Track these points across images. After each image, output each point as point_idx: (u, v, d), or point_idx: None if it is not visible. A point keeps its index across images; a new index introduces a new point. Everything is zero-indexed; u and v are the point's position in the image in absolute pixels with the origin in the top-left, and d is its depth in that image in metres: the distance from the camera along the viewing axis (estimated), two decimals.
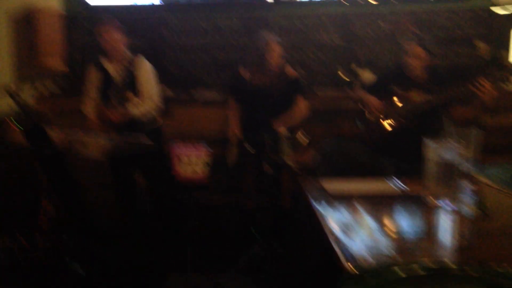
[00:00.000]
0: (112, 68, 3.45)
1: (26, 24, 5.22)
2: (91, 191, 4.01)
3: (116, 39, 3.38)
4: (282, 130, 3.17)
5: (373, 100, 3.31)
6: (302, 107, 3.55)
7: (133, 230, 3.61)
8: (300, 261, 2.19)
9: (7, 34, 5.09)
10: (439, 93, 3.13)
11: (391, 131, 3.29)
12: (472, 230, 1.56)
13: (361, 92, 3.42)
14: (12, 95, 2.88)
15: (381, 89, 3.36)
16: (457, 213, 1.64)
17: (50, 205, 3.36)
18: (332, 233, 1.43)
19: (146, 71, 3.43)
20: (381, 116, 3.29)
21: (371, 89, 3.44)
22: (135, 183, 3.60)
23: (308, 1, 4.27)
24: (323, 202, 1.74)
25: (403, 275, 1.20)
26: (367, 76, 4.07)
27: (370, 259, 1.25)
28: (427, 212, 1.66)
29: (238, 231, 3.82)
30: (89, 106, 3.54)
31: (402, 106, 3.25)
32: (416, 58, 3.17)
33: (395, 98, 3.27)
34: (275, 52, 3.37)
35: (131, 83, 3.39)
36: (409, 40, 3.20)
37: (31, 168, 4.16)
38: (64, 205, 3.09)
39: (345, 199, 1.81)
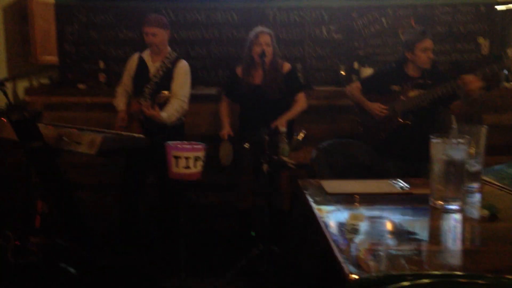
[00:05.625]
0: (151, 63, 3.46)
1: (18, 16, 5.15)
2: (83, 190, 3.96)
3: (161, 37, 3.38)
4: (281, 128, 3.11)
5: (371, 105, 3.24)
6: (300, 102, 3.49)
7: (128, 231, 3.55)
8: (299, 263, 2.12)
9: (0, 27, 5.02)
10: (436, 89, 3.07)
11: (392, 131, 3.22)
12: (481, 233, 1.49)
13: (360, 97, 3.35)
14: (2, 88, 2.81)
15: (380, 88, 3.29)
16: (464, 214, 1.56)
17: (45, 205, 3.30)
18: (332, 236, 1.35)
19: (183, 72, 3.43)
20: (382, 117, 3.22)
21: (370, 88, 3.37)
22: (140, 182, 3.54)
23: None
24: (322, 202, 1.66)
25: (407, 283, 1.12)
26: (368, 73, 4.01)
27: (372, 263, 1.17)
28: (433, 213, 1.58)
29: (235, 232, 3.75)
30: (121, 98, 3.58)
31: (402, 105, 3.18)
32: (427, 52, 3.11)
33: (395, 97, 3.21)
34: (263, 42, 3.33)
35: (166, 81, 3.39)
36: (420, 32, 3.12)
37: (24, 166, 4.10)
38: (57, 205, 3.02)
39: (346, 200, 1.73)
